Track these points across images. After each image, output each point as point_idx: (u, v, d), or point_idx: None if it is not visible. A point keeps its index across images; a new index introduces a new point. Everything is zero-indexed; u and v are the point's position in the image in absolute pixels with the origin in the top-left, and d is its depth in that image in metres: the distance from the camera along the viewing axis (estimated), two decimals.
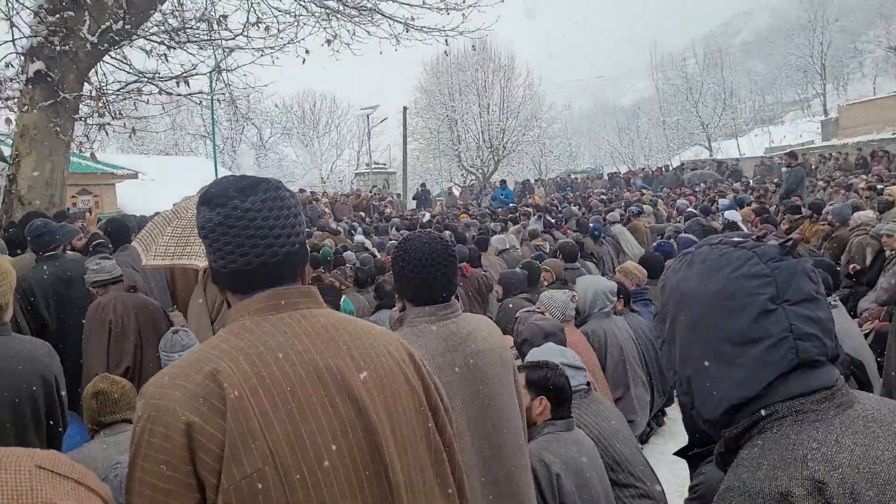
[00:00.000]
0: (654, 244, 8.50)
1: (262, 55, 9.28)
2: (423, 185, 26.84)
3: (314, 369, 1.34)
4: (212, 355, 1.32)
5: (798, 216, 10.49)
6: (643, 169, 35.23)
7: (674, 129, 51.43)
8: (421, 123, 35.97)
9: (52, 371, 2.74)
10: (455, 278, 2.23)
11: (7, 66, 8.32)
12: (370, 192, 24.32)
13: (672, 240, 9.16)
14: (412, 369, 1.52)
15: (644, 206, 14.09)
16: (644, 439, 5.27)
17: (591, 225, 10.46)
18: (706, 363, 1.11)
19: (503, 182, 24.61)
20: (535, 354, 3.31)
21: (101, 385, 3.12)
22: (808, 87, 67.17)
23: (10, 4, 8.48)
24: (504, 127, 33.86)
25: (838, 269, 7.05)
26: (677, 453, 2.40)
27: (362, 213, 19.54)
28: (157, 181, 24.19)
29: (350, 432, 1.34)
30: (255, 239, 1.39)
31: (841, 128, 39.62)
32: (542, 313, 3.96)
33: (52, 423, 2.78)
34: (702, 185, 22.02)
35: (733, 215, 10.73)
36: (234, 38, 8.81)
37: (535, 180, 35.62)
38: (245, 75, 10.48)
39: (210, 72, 10.25)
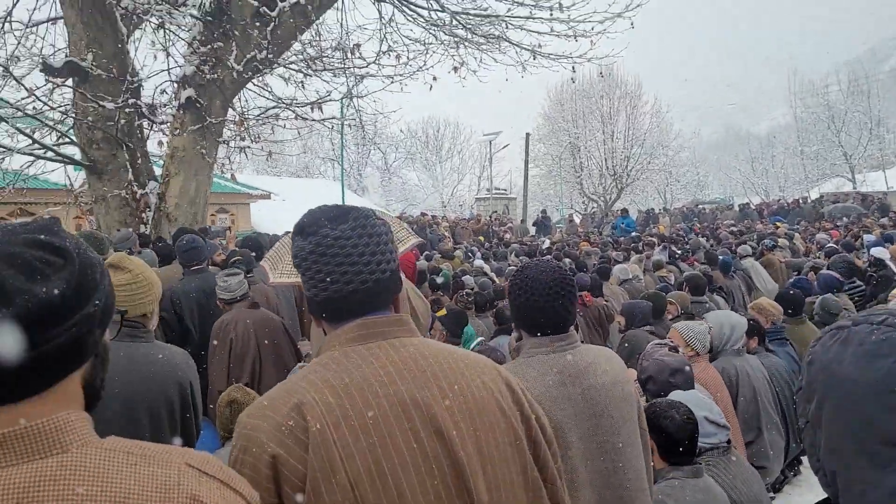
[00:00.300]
0: (791, 280, 7.99)
1: (391, 82, 9.57)
2: (543, 211, 26.66)
3: (399, 402, 1.32)
4: (300, 387, 1.33)
5: None
6: (778, 200, 33.45)
7: (813, 159, 48.57)
8: (543, 150, 35.85)
9: (189, 377, 2.88)
10: (574, 308, 2.17)
11: (162, 92, 9.03)
12: (490, 217, 24.43)
13: (810, 275, 8.61)
14: (509, 400, 1.47)
15: (779, 240, 13.31)
16: (777, 488, 4.91)
17: (720, 257, 9.98)
18: (857, 463, 0.95)
19: (625, 210, 24.05)
20: (674, 396, 3.16)
21: (236, 395, 3.29)
22: None
23: (167, 36, 9.23)
24: (628, 154, 33.12)
25: None
26: None
27: (482, 238, 19.64)
28: (287, 202, 25.42)
29: (435, 467, 1.31)
30: (345, 266, 1.40)
31: None
32: (675, 346, 3.78)
33: (187, 427, 2.92)
34: (844, 219, 20.59)
35: (881, 252, 9.92)
36: (366, 66, 9.14)
37: (660, 209, 34.64)
38: (374, 101, 10.84)
39: (342, 98, 10.68)
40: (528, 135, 32.00)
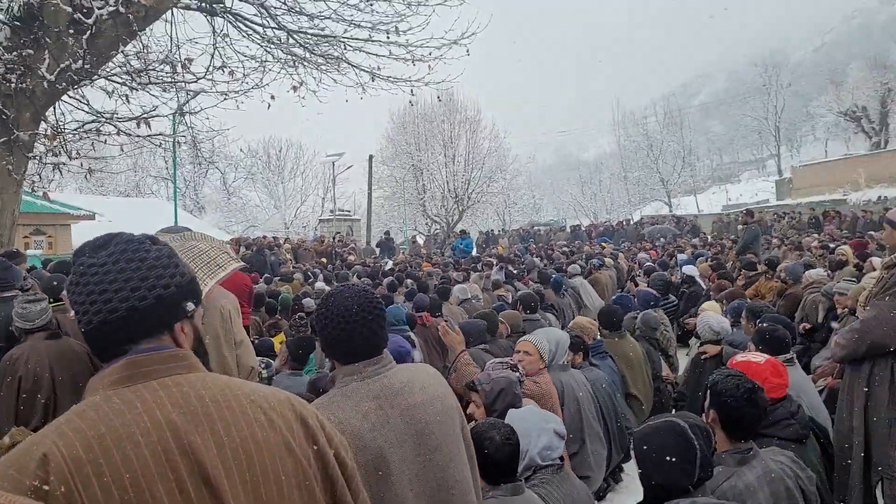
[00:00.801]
0: (613, 297, 8.53)
1: (225, 99, 9.23)
2: (386, 233, 26.81)
3: (164, 451, 1.22)
4: (49, 438, 1.19)
5: (754, 272, 10.68)
6: (605, 222, 35.82)
7: (635, 184, 52.61)
8: (387, 172, 36.16)
9: None
10: (383, 330, 2.13)
11: None
12: (334, 238, 24.20)
13: (632, 290, 9.24)
14: (301, 436, 1.41)
15: (605, 259, 14.22)
16: (601, 496, 5.17)
17: (552, 276, 10.48)
18: None
19: (464, 232, 24.73)
20: (513, 416, 3.23)
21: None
22: (763, 148, 69.74)
23: None
24: (469, 178, 34.20)
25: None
26: None
27: (324, 260, 19.38)
28: (114, 223, 23.77)
29: None
30: (94, 295, 1.31)
31: (794, 188, 40.97)
32: (514, 364, 3.88)
33: None
34: (661, 239, 22.40)
35: (691, 270, 10.89)
36: (196, 81, 8.76)
37: (499, 231, 35.97)
38: (208, 118, 10.43)
39: (172, 114, 10.17)
40: (371, 157, 32.15)
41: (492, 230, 33.98)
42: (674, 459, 2.40)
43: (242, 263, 4.61)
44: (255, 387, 1.44)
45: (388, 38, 8.86)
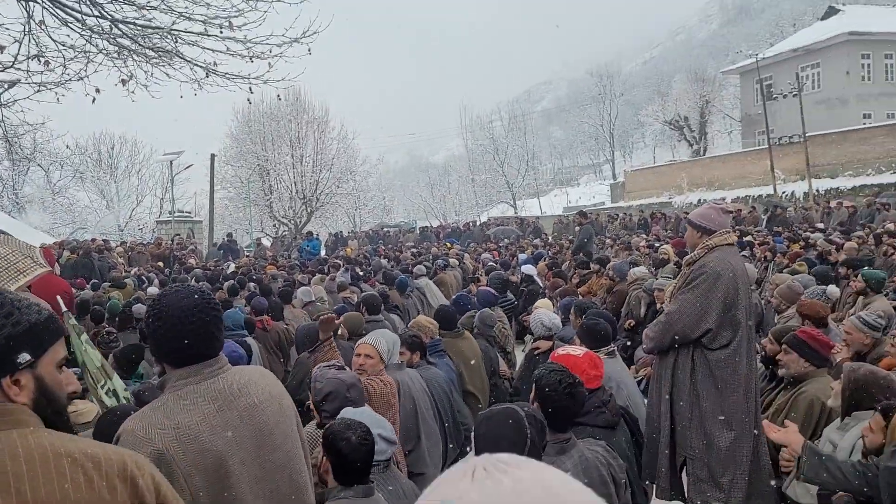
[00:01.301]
0: (454, 297, 8.74)
1: (40, 90, 8.52)
2: (229, 234, 25.85)
3: None
4: None
5: (587, 271, 11.32)
6: (453, 224, 36.58)
7: (482, 186, 54.14)
8: (231, 172, 34.84)
9: None
10: (221, 332, 2.07)
11: None
12: (172, 241, 22.98)
13: (472, 289, 9.50)
14: (125, 496, 1.40)
15: (451, 260, 14.52)
16: None
17: (397, 277, 10.56)
18: None
19: (310, 233, 24.37)
20: (347, 413, 3.20)
21: None
22: (599, 153, 74.13)
23: None
24: (318, 179, 33.69)
25: (617, 320, 7.64)
26: None
27: (160, 264, 18.36)
28: None
29: None
30: None
31: (627, 191, 43.97)
32: (342, 366, 3.85)
33: None
34: (505, 240, 23.19)
35: (529, 269, 11.37)
36: (3, 70, 8.01)
37: (349, 232, 35.75)
38: (23, 111, 9.56)
39: None
40: (213, 156, 30.84)
41: (341, 232, 33.70)
42: (503, 443, 2.49)
43: (48, 269, 4.26)
44: (86, 446, 1.40)
45: (221, 32, 8.53)
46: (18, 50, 7.97)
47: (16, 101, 9.23)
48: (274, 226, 35.14)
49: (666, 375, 4.08)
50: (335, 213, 37.87)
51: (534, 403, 3.09)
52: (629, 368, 6.40)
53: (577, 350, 3.65)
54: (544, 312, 6.27)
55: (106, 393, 3.79)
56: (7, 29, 8.64)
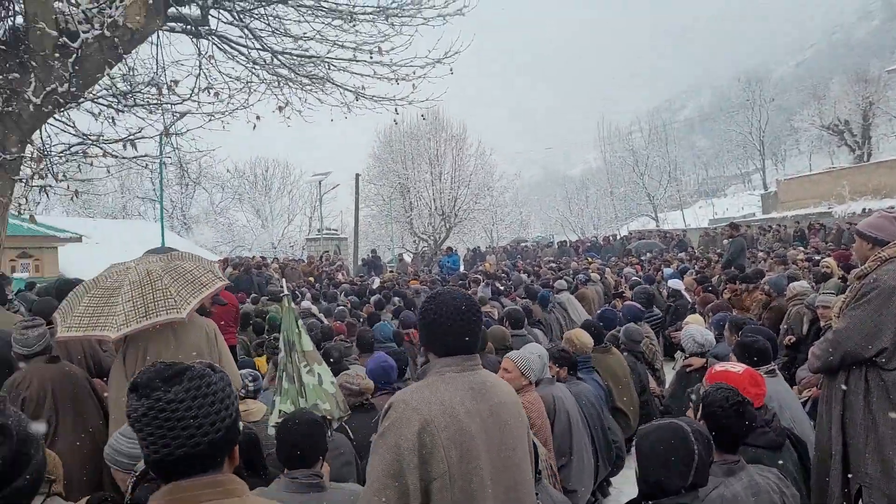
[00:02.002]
0: (598, 312, 8.60)
1: (211, 120, 9.28)
2: (373, 251, 26.82)
3: None
4: None
5: (739, 286, 10.77)
6: (592, 238, 35.96)
7: (621, 199, 52.93)
8: (374, 190, 36.21)
9: None
10: (480, 332, 2.35)
11: None
12: (321, 258, 24.18)
13: (617, 305, 9.30)
14: None
15: (592, 274, 14.29)
16: None
17: (539, 292, 10.54)
18: None
19: (450, 249, 24.76)
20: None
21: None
22: (748, 162, 70.34)
23: None
24: (456, 195, 34.30)
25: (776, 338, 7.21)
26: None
27: (311, 279, 19.36)
28: (101, 245, 23.65)
29: None
30: (177, 430, 1.43)
31: (780, 201, 41.36)
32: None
33: None
34: (648, 254, 22.53)
35: (677, 284, 10.98)
36: (181, 103, 8.81)
37: (487, 248, 36.04)
38: (194, 139, 10.43)
39: (158, 135, 10.19)
40: (357, 175, 32.20)
41: (479, 247, 34.05)
42: (672, 458, 2.49)
43: (227, 282, 4.65)
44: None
45: (371, 58, 8.94)
46: (196, 83, 8.71)
47: (188, 130, 10.08)
48: (414, 242, 36.10)
49: (836, 397, 3.81)
50: (473, 229, 38.33)
51: (699, 422, 3.00)
52: (792, 388, 6.03)
53: (737, 367, 3.50)
54: (696, 328, 6.05)
55: (308, 372, 4.01)
56: (182, 64, 9.51)
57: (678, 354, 7.88)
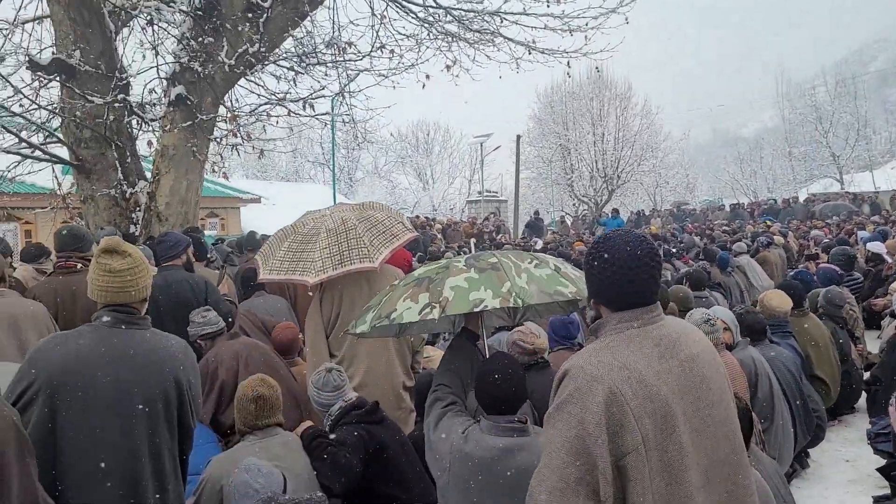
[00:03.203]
0: (792, 273, 7.92)
1: (384, 78, 9.46)
2: (536, 212, 26.59)
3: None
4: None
5: None
6: (768, 201, 33.50)
7: (801, 160, 48.87)
8: (534, 153, 35.86)
9: (188, 372, 2.73)
10: (659, 279, 2.01)
11: (150, 91, 8.88)
12: (485, 219, 24.35)
13: (810, 266, 8.55)
14: None
15: (776, 238, 13.28)
16: (787, 481, 4.82)
17: (718, 254, 9.92)
18: None
19: (615, 210, 23.99)
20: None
21: (262, 390, 3.18)
22: None
23: (156, 33, 9.08)
24: (619, 156, 33.18)
25: None
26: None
27: (474, 240, 19.52)
28: (277, 206, 25.29)
29: None
30: None
31: None
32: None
33: (183, 423, 2.77)
34: (834, 217, 20.63)
35: (877, 247, 9.91)
36: (358, 61, 9.03)
37: (651, 211, 34.70)
38: (367, 99, 10.70)
39: (335, 95, 10.55)
40: (518, 137, 31.96)
41: (642, 210, 32.84)
42: None
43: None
44: None
45: (547, 6, 8.66)
46: (373, 44, 8.89)
47: (361, 90, 10.35)
48: (574, 205, 35.46)
49: None
50: (636, 192, 37.06)
51: None
52: None
53: None
54: None
55: (537, 266, 3.25)
56: (356, 25, 9.75)
57: (886, 321, 7.08)
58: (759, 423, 3.68)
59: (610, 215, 23.76)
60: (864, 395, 6.01)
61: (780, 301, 5.34)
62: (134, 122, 8.75)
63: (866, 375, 6.05)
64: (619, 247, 1.95)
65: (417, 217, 21.93)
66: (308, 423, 3.55)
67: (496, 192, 35.91)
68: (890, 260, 9.77)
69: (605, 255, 1.96)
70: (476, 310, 2.78)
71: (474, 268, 2.90)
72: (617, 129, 33.76)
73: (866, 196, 27.98)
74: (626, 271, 1.92)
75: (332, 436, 3.34)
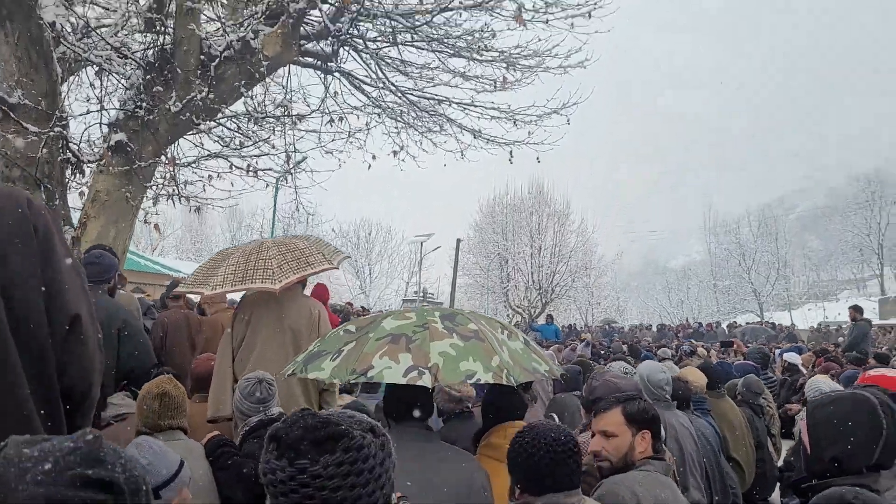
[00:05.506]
0: (715, 363, 8.08)
1: (330, 154, 9.64)
2: None
3: None
4: None
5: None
6: (693, 324, 34.49)
7: (725, 293, 51.02)
8: (472, 260, 36.45)
9: None
10: (579, 468, 2.22)
11: (90, 138, 8.79)
12: None
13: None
14: None
15: (699, 349, 13.61)
16: None
17: (642, 352, 10.07)
18: None
19: (550, 317, 24.28)
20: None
21: (167, 387, 3.02)
22: (863, 267, 66.49)
23: (103, 86, 9.07)
24: (554, 270, 33.99)
25: None
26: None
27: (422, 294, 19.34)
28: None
29: None
30: None
31: None
32: (627, 373, 3.67)
33: None
34: (755, 342, 21.29)
35: (793, 358, 10.25)
36: (304, 137, 9.20)
37: (582, 327, 35.26)
38: (312, 172, 10.78)
39: (280, 174, 10.59)
40: (458, 240, 32.53)
41: (574, 324, 33.36)
42: (858, 432, 2.14)
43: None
44: None
45: (495, 88, 9.07)
46: (321, 108, 9.09)
47: (305, 158, 10.47)
48: (508, 315, 35.79)
49: None
50: (569, 308, 37.75)
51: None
52: None
53: (893, 371, 3.11)
54: (823, 380, 5.59)
55: (509, 338, 3.23)
56: (309, 96, 9.98)
57: (797, 429, 7.17)
58: None
59: (546, 321, 24.01)
60: (778, 484, 6.02)
61: (696, 377, 5.41)
62: (68, 168, 8.56)
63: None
64: (536, 441, 2.17)
65: (350, 304, 21.68)
66: (215, 433, 3.37)
67: (433, 294, 36.05)
68: (805, 371, 10.08)
69: (533, 443, 2.18)
70: (469, 381, 2.76)
71: (456, 333, 2.84)
72: (554, 244, 34.77)
73: (784, 327, 29.18)
74: (553, 457, 2.13)
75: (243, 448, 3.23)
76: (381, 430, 1.30)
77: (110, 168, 8.18)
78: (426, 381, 2.62)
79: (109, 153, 8.17)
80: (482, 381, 2.70)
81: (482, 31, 8.88)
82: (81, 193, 8.82)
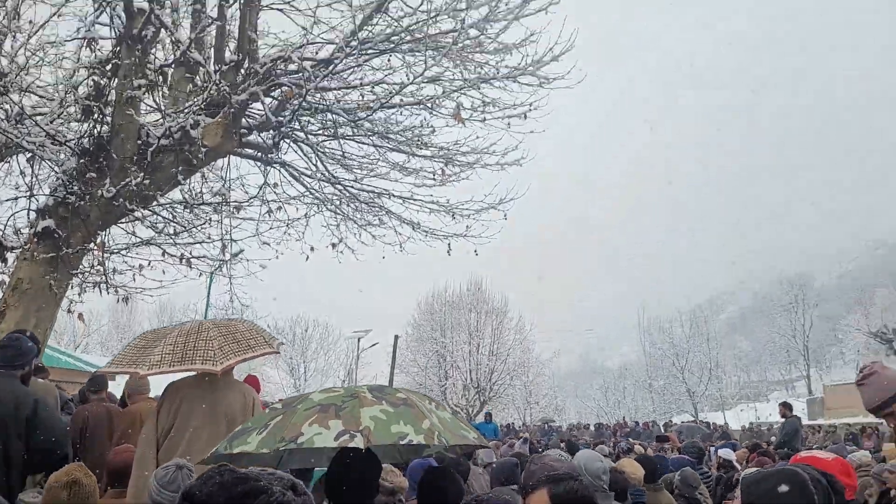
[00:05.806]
0: (653, 455, 8.05)
1: (267, 245, 9.57)
2: None
3: None
4: None
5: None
6: (630, 424, 34.61)
7: (660, 393, 51.53)
8: (410, 357, 36.06)
9: None
10: None
11: (14, 227, 8.52)
12: None
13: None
14: None
15: (637, 447, 13.57)
16: None
17: (578, 447, 9.96)
18: None
19: (489, 415, 23.99)
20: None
21: (78, 475, 2.81)
22: (791, 368, 68.56)
23: (34, 173, 8.90)
24: (492, 368, 33.88)
25: None
26: None
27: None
28: None
29: None
30: None
31: (827, 408, 39.75)
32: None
33: None
34: (690, 438, 21.42)
35: (728, 454, 10.28)
36: (240, 224, 9.14)
37: (521, 426, 34.90)
38: (247, 262, 10.62)
39: (210, 273, 10.38)
40: (396, 337, 32.23)
41: (512, 423, 33.00)
42: None
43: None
44: None
45: (434, 178, 9.24)
46: (260, 196, 9.07)
47: (242, 250, 10.35)
48: None
49: None
50: (507, 407, 37.42)
51: None
52: None
53: (826, 454, 3.15)
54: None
55: (437, 408, 3.41)
56: (248, 185, 9.96)
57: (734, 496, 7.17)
58: None
59: (485, 420, 23.70)
60: None
61: (633, 468, 5.36)
62: None
63: None
64: None
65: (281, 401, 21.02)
66: None
67: None
68: (739, 468, 10.11)
69: None
70: (401, 443, 2.73)
71: (385, 401, 2.83)
72: (492, 341, 34.79)
73: (718, 426, 29.52)
74: None
75: None
76: (302, 488, 1.21)
77: (35, 255, 7.89)
78: (358, 442, 2.55)
79: (35, 240, 7.91)
80: (414, 443, 2.67)
81: (422, 126, 9.10)
82: (1, 283, 8.47)
